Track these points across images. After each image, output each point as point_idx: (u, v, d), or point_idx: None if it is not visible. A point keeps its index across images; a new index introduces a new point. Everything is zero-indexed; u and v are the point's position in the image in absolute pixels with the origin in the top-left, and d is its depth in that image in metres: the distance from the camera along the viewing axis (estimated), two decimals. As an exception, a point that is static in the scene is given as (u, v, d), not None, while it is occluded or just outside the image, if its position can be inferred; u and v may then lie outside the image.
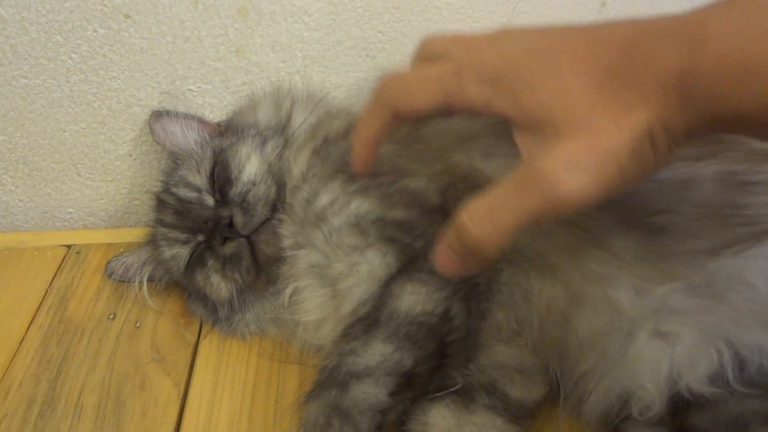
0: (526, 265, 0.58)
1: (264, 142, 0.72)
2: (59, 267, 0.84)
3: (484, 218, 0.46)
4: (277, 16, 0.77)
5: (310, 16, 0.78)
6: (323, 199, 0.63)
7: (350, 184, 0.63)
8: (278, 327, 0.72)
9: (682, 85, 0.39)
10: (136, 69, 0.79)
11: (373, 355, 0.54)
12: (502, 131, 0.65)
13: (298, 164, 0.68)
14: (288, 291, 0.67)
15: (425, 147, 0.65)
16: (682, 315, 0.53)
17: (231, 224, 0.67)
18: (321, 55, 0.81)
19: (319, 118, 0.74)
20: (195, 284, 0.72)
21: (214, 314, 0.73)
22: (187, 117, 0.79)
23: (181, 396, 0.67)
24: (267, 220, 0.68)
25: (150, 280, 0.77)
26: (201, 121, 0.79)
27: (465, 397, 0.58)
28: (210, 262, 0.70)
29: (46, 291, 0.80)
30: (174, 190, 0.72)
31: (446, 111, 0.50)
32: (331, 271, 0.62)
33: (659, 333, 0.53)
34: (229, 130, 0.75)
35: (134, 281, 0.78)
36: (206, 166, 0.71)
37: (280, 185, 0.69)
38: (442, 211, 0.60)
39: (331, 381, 0.54)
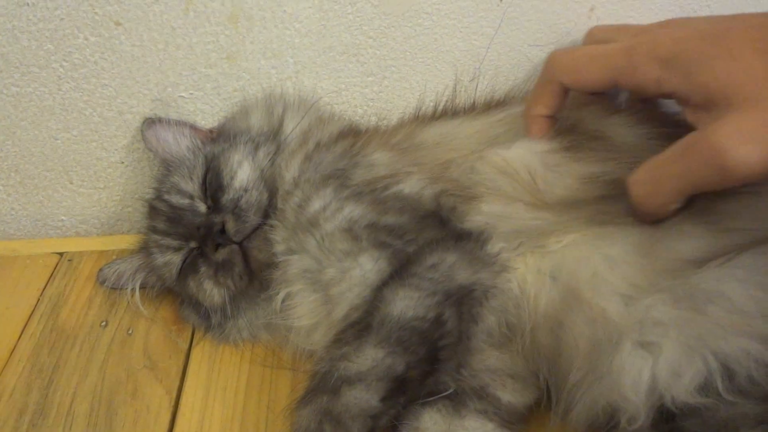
0: (522, 268, 0.58)
1: (256, 148, 0.72)
2: (51, 275, 0.84)
3: (647, 180, 0.50)
4: (268, 22, 0.77)
5: (301, 22, 0.78)
6: (316, 205, 0.63)
7: (343, 189, 0.63)
8: (271, 333, 0.72)
9: None
10: (127, 76, 0.79)
11: (364, 360, 0.54)
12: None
13: (290, 170, 0.68)
14: (280, 296, 0.67)
15: (425, 153, 0.65)
16: (664, 326, 0.52)
17: (223, 231, 0.67)
18: (312, 61, 0.81)
19: (311, 124, 0.74)
20: (187, 291, 0.72)
21: (206, 321, 0.73)
22: (179, 124, 0.79)
23: (173, 403, 0.67)
24: (259, 226, 0.68)
25: (142, 287, 0.77)
26: (193, 127, 0.79)
27: (456, 402, 0.58)
28: (202, 269, 0.70)
29: (38, 299, 0.80)
30: (166, 197, 0.72)
31: (612, 89, 0.53)
32: (323, 277, 0.62)
33: (642, 344, 0.53)
34: (221, 137, 0.76)
35: (126, 288, 0.77)
36: (198, 172, 0.71)
37: (272, 191, 0.69)
38: (435, 216, 0.61)
39: (322, 386, 0.54)
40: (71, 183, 0.87)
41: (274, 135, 0.73)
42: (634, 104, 0.66)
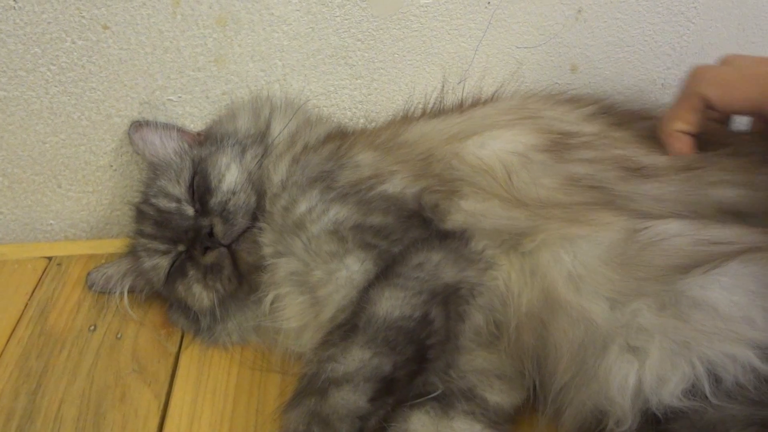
0: (505, 265, 0.59)
1: (243, 150, 0.72)
2: (40, 279, 0.83)
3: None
4: (256, 25, 0.77)
5: (289, 25, 0.78)
6: (302, 207, 0.63)
7: (329, 191, 0.63)
8: (260, 335, 0.72)
9: None
10: (115, 80, 0.79)
11: (351, 361, 0.54)
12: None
13: (277, 172, 0.68)
14: (269, 299, 0.67)
15: (408, 151, 0.65)
16: (649, 332, 0.53)
17: (211, 234, 0.67)
18: (301, 64, 0.81)
19: (298, 126, 0.74)
20: (176, 294, 0.72)
21: (195, 324, 0.73)
22: (167, 127, 0.78)
23: (161, 407, 0.66)
24: (247, 228, 0.68)
25: (131, 291, 0.77)
26: (181, 130, 0.79)
27: (444, 403, 0.58)
28: (191, 272, 0.70)
29: (27, 303, 0.79)
30: (153, 200, 0.72)
31: (752, 114, 0.52)
32: (310, 279, 0.62)
33: (630, 348, 0.53)
34: (208, 140, 0.75)
35: (115, 292, 0.77)
36: (185, 176, 0.71)
37: (260, 194, 0.69)
38: (419, 216, 0.61)
39: (310, 388, 0.54)
40: (60, 187, 0.87)
41: (262, 137, 0.73)
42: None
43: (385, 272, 0.58)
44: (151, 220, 0.72)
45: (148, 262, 0.72)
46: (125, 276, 0.77)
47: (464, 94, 0.75)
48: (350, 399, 0.53)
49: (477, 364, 0.59)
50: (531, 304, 0.57)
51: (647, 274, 0.54)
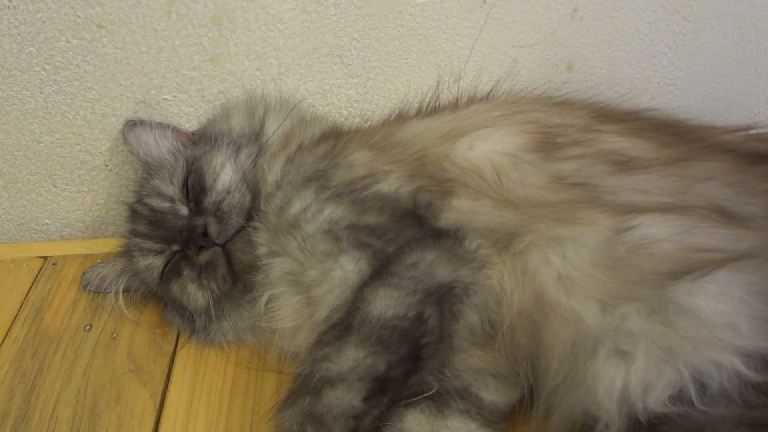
0: (499, 264, 0.58)
1: (238, 150, 0.72)
2: (35, 279, 0.83)
3: None
4: (251, 24, 0.77)
5: (285, 24, 0.78)
6: (296, 207, 0.63)
7: (323, 191, 0.63)
8: (255, 335, 0.72)
9: None
10: (110, 79, 0.79)
11: (345, 360, 0.54)
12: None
13: (272, 172, 0.68)
14: (264, 299, 0.66)
15: (402, 151, 0.65)
16: (636, 338, 0.52)
17: (205, 233, 0.67)
18: (296, 63, 0.81)
19: (293, 126, 0.74)
20: (171, 294, 0.72)
21: (191, 324, 0.73)
22: (161, 126, 0.78)
23: (157, 407, 0.66)
24: (242, 228, 0.68)
25: (126, 290, 0.77)
26: (175, 130, 0.79)
27: (439, 402, 0.58)
28: (185, 272, 0.70)
29: (22, 303, 0.79)
30: (147, 200, 0.71)
31: None
32: (305, 278, 0.62)
33: (618, 352, 0.53)
34: (203, 139, 0.75)
35: (110, 292, 0.77)
36: (179, 175, 0.71)
37: (255, 193, 0.69)
38: (413, 215, 0.60)
39: (305, 388, 0.54)
40: (55, 186, 0.87)
41: (256, 137, 0.73)
42: None
43: (380, 272, 0.58)
44: (145, 219, 0.72)
45: (142, 262, 0.72)
46: (120, 276, 0.76)
47: (459, 93, 0.75)
48: (344, 398, 0.53)
49: (472, 363, 0.59)
50: (523, 305, 0.57)
51: (637, 278, 0.54)
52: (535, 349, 0.57)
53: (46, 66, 0.77)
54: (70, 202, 0.88)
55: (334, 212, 0.61)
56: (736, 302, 0.51)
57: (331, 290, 0.59)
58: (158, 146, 0.76)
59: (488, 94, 0.75)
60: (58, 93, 0.79)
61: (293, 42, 0.80)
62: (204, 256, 0.68)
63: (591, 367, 0.54)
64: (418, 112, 0.72)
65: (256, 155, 0.71)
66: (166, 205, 0.70)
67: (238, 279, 0.69)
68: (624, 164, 0.60)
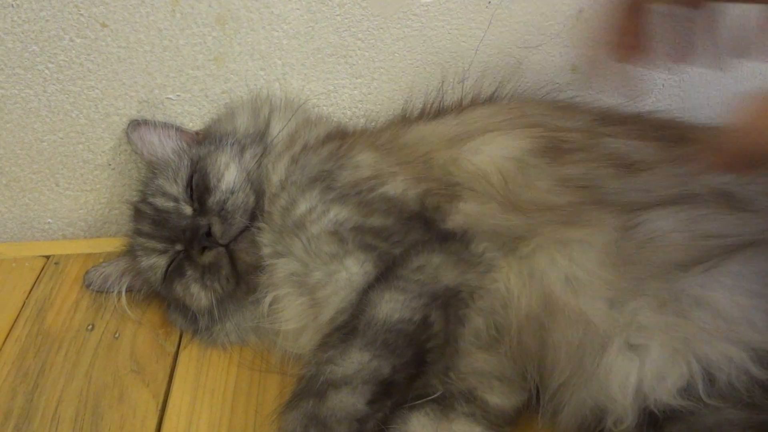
0: (505, 268, 0.58)
1: (242, 150, 0.72)
2: (37, 278, 0.83)
3: None
4: (256, 24, 0.77)
5: (289, 23, 0.78)
6: (302, 207, 0.63)
7: (329, 191, 0.63)
8: (258, 336, 0.71)
9: None
10: (114, 78, 0.79)
11: (350, 363, 0.53)
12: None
13: (276, 172, 0.68)
14: (267, 300, 0.66)
15: (408, 153, 0.65)
16: (650, 330, 0.53)
17: (209, 233, 0.67)
18: (300, 63, 0.81)
19: (297, 126, 0.74)
20: (174, 294, 0.71)
21: (194, 324, 0.73)
22: (165, 126, 0.78)
23: (159, 407, 0.66)
24: (246, 228, 0.67)
25: (129, 290, 0.77)
26: (179, 129, 0.79)
27: (444, 405, 0.58)
28: (189, 272, 0.69)
29: (24, 302, 0.79)
30: (151, 199, 0.71)
31: None
32: (309, 280, 0.62)
33: (630, 346, 0.53)
34: (207, 139, 0.75)
35: (113, 291, 0.77)
36: (183, 175, 0.71)
37: (259, 193, 0.69)
38: (420, 217, 0.60)
39: (308, 390, 0.54)
40: (57, 185, 0.87)
41: (261, 137, 0.73)
42: None
43: (386, 274, 0.57)
44: (148, 219, 0.71)
45: (145, 262, 0.72)
46: (123, 275, 0.76)
47: (464, 94, 0.74)
48: (348, 401, 0.53)
49: (477, 366, 0.59)
50: (530, 307, 0.57)
51: (645, 273, 0.54)
52: (541, 350, 0.57)
53: (50, 64, 0.77)
54: (73, 201, 0.88)
55: (339, 213, 0.61)
56: (751, 295, 0.51)
57: (336, 292, 0.59)
58: (162, 146, 0.75)
59: (492, 95, 0.75)
60: (62, 92, 0.79)
61: (297, 42, 0.80)
62: (207, 257, 0.67)
63: (602, 363, 0.54)
64: (424, 114, 0.72)
65: (261, 155, 0.71)
66: (170, 204, 0.70)
67: (242, 280, 0.69)
68: (629, 167, 0.60)
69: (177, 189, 0.70)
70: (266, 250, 0.66)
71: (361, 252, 0.59)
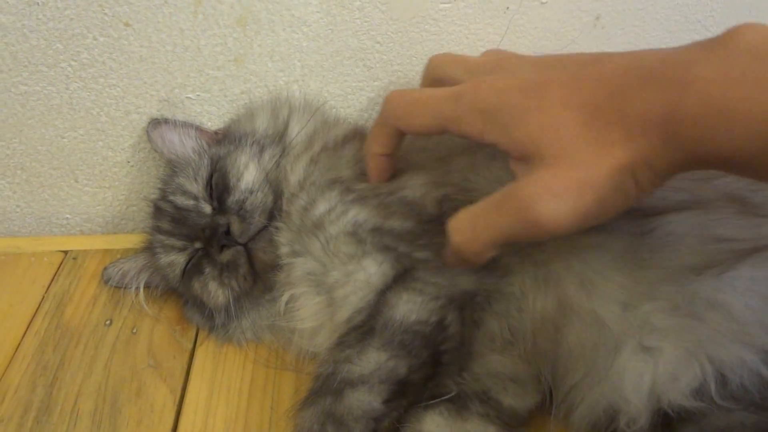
0: (521, 273, 0.59)
1: (261, 150, 0.73)
2: (56, 273, 0.84)
3: (466, 228, 0.50)
4: (276, 26, 0.78)
5: (309, 26, 0.79)
6: (321, 208, 0.64)
7: (348, 193, 0.64)
8: (274, 334, 0.72)
9: (666, 126, 0.42)
10: (135, 77, 0.80)
11: (367, 363, 0.54)
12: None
13: (295, 173, 0.69)
14: (284, 298, 0.67)
15: (427, 157, 0.66)
16: (664, 332, 0.53)
17: (228, 232, 0.68)
18: (319, 65, 0.82)
19: (316, 127, 0.75)
20: (192, 291, 0.72)
21: (210, 321, 0.73)
22: (185, 125, 0.79)
23: (177, 402, 0.67)
24: (264, 227, 0.68)
25: (147, 286, 0.78)
26: (199, 129, 0.80)
27: (458, 405, 0.59)
28: (207, 270, 0.70)
29: (43, 296, 0.80)
30: (171, 197, 0.72)
31: (443, 133, 0.53)
32: (327, 279, 0.63)
33: (643, 348, 0.54)
34: (226, 139, 0.76)
35: (131, 288, 0.78)
36: (203, 174, 0.72)
37: (277, 193, 0.70)
38: (440, 221, 0.61)
39: (325, 388, 0.55)
40: (77, 181, 0.88)
41: (280, 138, 0.74)
42: None
43: (404, 276, 0.58)
44: (168, 216, 0.72)
45: (164, 259, 0.73)
46: (141, 272, 0.77)
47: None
48: (365, 400, 0.53)
49: (492, 367, 0.60)
50: (545, 310, 0.57)
51: (658, 277, 0.55)
52: (555, 352, 0.57)
53: (73, 62, 0.78)
54: (92, 197, 0.89)
55: (359, 215, 0.62)
56: (764, 299, 0.52)
57: (354, 292, 0.60)
58: (183, 144, 0.76)
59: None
60: (84, 89, 0.80)
61: (317, 44, 0.80)
62: (226, 255, 0.68)
63: (614, 364, 0.54)
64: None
65: (280, 156, 0.72)
66: (190, 203, 0.71)
67: (259, 278, 0.69)
68: None
69: (197, 187, 0.71)
70: (284, 249, 0.67)
71: (379, 253, 0.60)
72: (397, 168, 0.64)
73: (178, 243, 0.72)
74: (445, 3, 0.79)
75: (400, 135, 0.59)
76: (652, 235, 0.56)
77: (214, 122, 0.84)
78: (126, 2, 0.74)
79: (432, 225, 0.60)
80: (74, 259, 0.87)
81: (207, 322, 0.74)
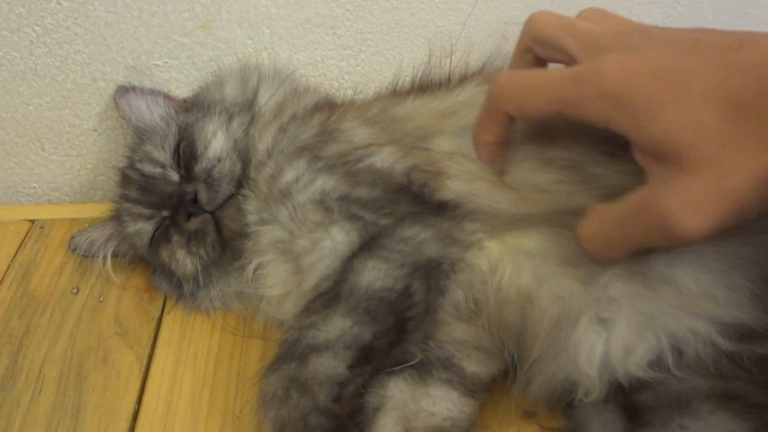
0: (490, 247, 0.59)
1: (230, 118, 0.72)
2: (22, 241, 0.83)
3: (598, 237, 0.50)
4: (245, -9, 0.77)
5: (278, -7, 0.78)
6: (288, 176, 0.64)
7: (316, 161, 0.63)
8: (242, 302, 0.72)
9: None
10: (101, 43, 0.78)
11: (332, 328, 0.55)
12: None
13: (263, 141, 0.69)
14: (252, 266, 0.67)
15: (399, 128, 0.66)
16: (618, 303, 0.54)
17: (195, 200, 0.67)
18: (288, 33, 0.81)
19: (286, 96, 0.74)
20: (160, 260, 0.72)
21: (178, 290, 0.73)
22: (153, 93, 0.78)
23: (143, 369, 0.67)
24: (232, 196, 0.68)
25: (114, 255, 0.77)
26: (167, 96, 0.79)
27: (422, 371, 0.59)
28: (175, 238, 0.70)
29: (9, 265, 0.80)
30: (138, 165, 0.72)
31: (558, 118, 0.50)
32: (294, 247, 0.63)
33: (599, 320, 0.55)
34: (195, 107, 0.75)
35: (98, 256, 0.77)
36: (171, 141, 0.71)
37: (246, 161, 0.70)
38: (407, 191, 0.61)
39: (291, 354, 0.55)
40: (43, 150, 0.87)
41: (249, 106, 0.73)
42: None
43: (370, 244, 0.58)
44: (135, 185, 0.72)
45: (132, 227, 0.73)
46: (109, 240, 0.77)
47: (451, 69, 0.75)
48: (330, 365, 0.54)
49: (456, 335, 0.60)
50: (512, 284, 0.58)
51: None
52: (521, 325, 0.58)
53: (36, 27, 0.76)
54: (59, 165, 0.88)
55: (326, 183, 0.62)
56: (714, 273, 0.52)
57: (321, 260, 0.60)
58: (150, 112, 0.75)
59: (480, 71, 0.75)
60: (48, 55, 0.79)
61: (286, 11, 0.80)
62: (193, 223, 0.68)
63: (572, 336, 0.55)
64: (413, 88, 0.72)
65: (248, 124, 0.71)
66: (157, 170, 0.70)
67: (227, 246, 0.69)
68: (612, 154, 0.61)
69: (164, 155, 0.71)
70: (252, 218, 0.67)
71: (346, 221, 0.60)
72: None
73: (146, 211, 0.72)
74: (415, -29, 0.79)
75: (512, 121, 0.55)
76: None
77: (182, 90, 0.83)
78: (90, -35, 0.73)
79: (400, 194, 0.60)
80: (41, 228, 0.86)
81: (175, 290, 0.74)
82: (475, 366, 0.61)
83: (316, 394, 0.53)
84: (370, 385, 0.58)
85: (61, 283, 0.77)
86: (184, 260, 0.70)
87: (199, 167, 0.69)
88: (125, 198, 0.73)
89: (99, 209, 0.82)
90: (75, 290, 0.76)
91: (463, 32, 0.85)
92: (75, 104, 0.83)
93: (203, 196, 0.67)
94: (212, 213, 0.68)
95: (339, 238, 0.60)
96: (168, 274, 0.73)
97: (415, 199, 0.60)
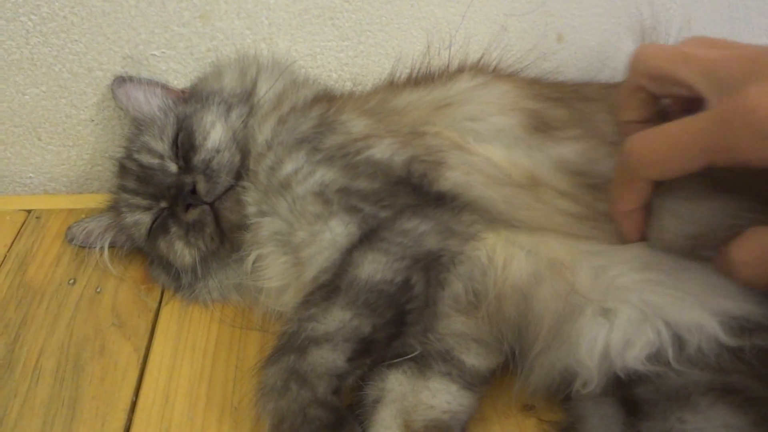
0: (489, 240, 0.59)
1: (229, 109, 0.72)
2: (19, 232, 0.83)
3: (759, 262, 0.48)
4: (243, -19, 0.77)
5: (277, -18, 0.77)
6: (288, 168, 0.64)
7: (315, 153, 0.63)
8: (241, 294, 0.72)
9: None
10: (98, 32, 0.78)
11: (332, 321, 0.55)
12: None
13: (263, 132, 0.68)
14: (251, 258, 0.67)
15: (397, 120, 0.66)
16: (626, 291, 0.54)
17: (194, 191, 0.67)
18: (287, 23, 0.81)
19: (285, 87, 0.74)
20: (158, 251, 0.72)
21: (176, 281, 0.73)
22: (151, 83, 0.78)
23: (141, 361, 0.67)
24: (231, 187, 0.68)
25: (111, 246, 0.77)
26: (165, 87, 0.79)
27: (421, 364, 0.59)
28: (173, 229, 0.70)
29: (5, 255, 0.79)
30: (136, 156, 0.71)
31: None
32: (293, 239, 0.63)
33: (602, 311, 0.55)
34: (193, 97, 0.75)
35: (95, 247, 0.77)
36: (169, 132, 0.71)
37: (245, 153, 0.69)
38: (406, 183, 0.61)
39: (290, 346, 0.55)
40: (40, 140, 0.86)
41: (248, 97, 0.73)
42: None
43: (369, 236, 0.58)
44: (133, 175, 0.71)
45: (130, 218, 0.72)
46: (106, 231, 0.77)
47: (450, 60, 0.75)
48: (329, 358, 0.54)
49: (455, 328, 0.60)
50: (515, 277, 0.58)
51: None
52: (523, 319, 0.58)
53: (33, 16, 0.76)
54: (55, 156, 0.88)
55: (325, 175, 0.61)
56: None
57: (320, 252, 0.60)
58: (148, 103, 0.75)
59: (478, 62, 0.75)
60: (44, 44, 0.78)
61: (285, 2, 0.79)
62: (192, 214, 0.68)
63: (575, 327, 0.55)
64: (411, 80, 0.72)
65: (247, 115, 0.71)
66: (155, 161, 0.70)
67: (226, 238, 0.69)
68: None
69: (162, 146, 0.70)
70: (251, 209, 0.67)
71: (345, 213, 0.60)
72: None
73: (144, 202, 0.71)
74: (415, -38, 0.78)
75: (652, 185, 0.52)
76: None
77: (180, 80, 0.83)
78: (88, -46, 0.72)
79: (399, 186, 0.60)
80: (37, 218, 0.85)
81: (173, 281, 0.74)
82: (474, 359, 0.61)
83: (315, 386, 0.53)
84: (369, 377, 0.58)
85: (57, 274, 0.77)
86: (182, 252, 0.70)
87: (198, 158, 0.68)
88: (123, 189, 0.73)
89: (96, 200, 0.82)
90: (72, 281, 0.76)
91: (462, 24, 0.84)
92: (72, 94, 0.82)
93: (202, 187, 0.67)
94: (211, 204, 0.68)
95: (338, 231, 0.60)
96: (166, 265, 0.73)
97: (415, 190, 0.60)
